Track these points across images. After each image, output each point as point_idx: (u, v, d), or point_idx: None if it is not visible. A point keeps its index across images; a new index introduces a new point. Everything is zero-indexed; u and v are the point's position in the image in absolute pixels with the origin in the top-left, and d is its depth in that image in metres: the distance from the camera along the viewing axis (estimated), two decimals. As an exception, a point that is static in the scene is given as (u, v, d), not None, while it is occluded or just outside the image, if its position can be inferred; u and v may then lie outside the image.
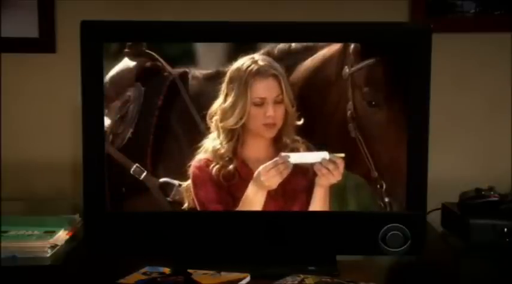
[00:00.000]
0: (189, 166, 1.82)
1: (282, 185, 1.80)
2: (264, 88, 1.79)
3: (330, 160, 1.79)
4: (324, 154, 1.79)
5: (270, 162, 1.79)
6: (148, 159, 1.84)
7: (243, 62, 1.79)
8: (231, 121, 1.80)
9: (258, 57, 1.79)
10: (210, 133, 1.81)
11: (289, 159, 1.78)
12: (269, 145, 1.82)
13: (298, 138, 1.82)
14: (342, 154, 1.79)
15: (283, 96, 1.79)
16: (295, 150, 1.80)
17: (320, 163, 1.79)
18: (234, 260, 1.79)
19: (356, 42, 1.79)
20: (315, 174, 1.80)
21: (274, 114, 1.79)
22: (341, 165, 1.79)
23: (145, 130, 1.84)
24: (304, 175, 1.82)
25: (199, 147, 1.82)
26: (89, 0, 2.18)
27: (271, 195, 1.81)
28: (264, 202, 1.81)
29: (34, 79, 2.23)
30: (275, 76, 1.79)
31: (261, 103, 1.80)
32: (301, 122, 1.80)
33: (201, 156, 1.82)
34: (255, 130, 1.81)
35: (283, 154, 1.79)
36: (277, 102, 1.79)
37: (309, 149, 1.81)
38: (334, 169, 1.79)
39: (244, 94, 1.79)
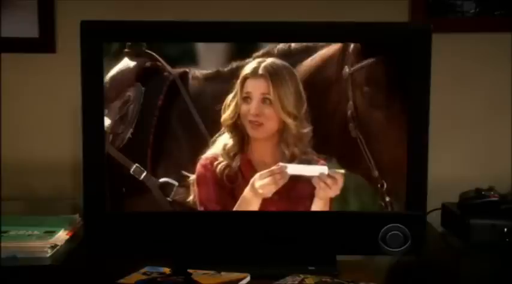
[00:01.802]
0: (199, 159, 1.82)
1: (281, 194, 1.80)
2: (252, 84, 1.80)
3: (329, 175, 1.78)
4: (323, 169, 1.79)
5: (267, 170, 1.79)
6: (148, 159, 1.84)
7: (255, 61, 1.79)
8: (226, 115, 1.80)
9: (268, 59, 1.79)
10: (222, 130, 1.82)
11: (287, 170, 1.78)
12: (274, 150, 1.82)
13: (309, 149, 1.81)
14: (342, 170, 1.79)
15: (271, 98, 1.78)
16: (300, 159, 1.80)
17: (318, 177, 1.78)
18: (234, 260, 1.79)
19: (356, 42, 1.79)
20: (314, 186, 1.80)
21: (258, 112, 1.79)
22: (340, 180, 1.79)
23: (145, 130, 1.84)
24: (304, 186, 1.81)
25: (214, 142, 1.82)
26: (89, 0, 2.18)
27: (270, 203, 1.81)
28: (259, 209, 1.80)
29: (34, 79, 2.23)
30: (265, 77, 1.79)
31: (247, 98, 1.79)
32: (308, 135, 1.81)
33: (211, 152, 1.82)
34: (245, 127, 1.81)
35: (281, 164, 1.79)
36: (264, 102, 1.79)
37: (315, 161, 1.81)
38: (332, 184, 1.79)
39: (239, 90, 1.80)
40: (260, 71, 1.79)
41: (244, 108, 1.80)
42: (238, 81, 1.80)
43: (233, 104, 1.80)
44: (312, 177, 1.79)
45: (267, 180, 1.78)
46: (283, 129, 1.80)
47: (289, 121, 1.79)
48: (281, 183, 1.79)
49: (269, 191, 1.79)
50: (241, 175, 1.82)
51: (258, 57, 1.80)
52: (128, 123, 1.84)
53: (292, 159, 1.80)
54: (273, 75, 1.79)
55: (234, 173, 1.82)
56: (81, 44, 1.77)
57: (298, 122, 1.80)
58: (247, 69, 1.80)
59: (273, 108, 1.79)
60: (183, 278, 1.73)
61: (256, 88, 1.79)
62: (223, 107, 1.81)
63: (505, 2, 2.20)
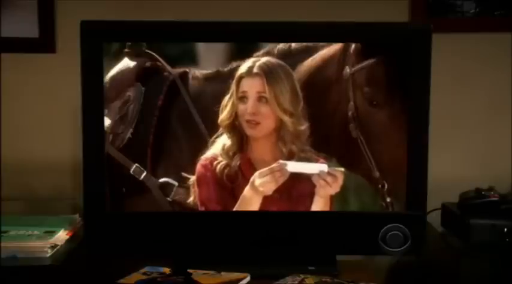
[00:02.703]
0: (199, 159, 1.82)
1: (281, 192, 1.80)
2: (248, 84, 1.80)
3: (329, 173, 1.78)
4: (323, 167, 1.78)
5: (267, 168, 1.79)
6: (148, 159, 1.84)
7: (250, 61, 1.79)
8: (223, 116, 1.80)
9: (263, 58, 1.79)
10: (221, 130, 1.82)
11: (287, 167, 1.78)
12: (273, 148, 1.82)
13: (307, 147, 1.81)
14: (342, 168, 1.79)
15: (267, 97, 1.79)
16: (298, 157, 1.80)
17: (318, 175, 1.78)
18: (234, 260, 1.79)
19: (356, 42, 1.79)
20: (314, 184, 1.80)
21: (254, 111, 1.79)
22: (340, 177, 1.79)
23: (145, 130, 1.84)
24: (304, 184, 1.81)
25: (213, 142, 1.82)
26: (89, 0, 2.18)
27: (271, 201, 1.81)
28: (260, 208, 1.81)
29: (34, 79, 2.23)
30: (260, 75, 1.79)
31: (244, 98, 1.80)
32: (306, 132, 1.80)
33: (210, 152, 1.82)
34: (243, 127, 1.81)
35: (281, 161, 1.79)
36: (260, 101, 1.79)
37: (314, 160, 1.81)
38: (332, 182, 1.79)
39: (234, 90, 1.80)
40: (255, 70, 1.79)
41: (241, 107, 1.80)
42: (234, 81, 1.80)
43: (230, 104, 1.80)
44: (312, 174, 1.79)
45: (267, 178, 1.78)
46: (280, 126, 1.80)
47: (286, 118, 1.79)
48: (281, 180, 1.79)
49: (269, 189, 1.79)
50: (241, 174, 1.82)
51: (256, 57, 1.80)
52: (128, 123, 1.84)
53: (290, 157, 1.80)
54: (267, 73, 1.79)
55: (234, 172, 1.82)
56: (81, 44, 1.77)
57: (295, 119, 1.80)
58: (242, 68, 1.80)
59: (269, 106, 1.79)
60: (183, 278, 1.73)
61: (252, 87, 1.80)
62: (220, 108, 1.81)
63: (505, 2, 2.20)
